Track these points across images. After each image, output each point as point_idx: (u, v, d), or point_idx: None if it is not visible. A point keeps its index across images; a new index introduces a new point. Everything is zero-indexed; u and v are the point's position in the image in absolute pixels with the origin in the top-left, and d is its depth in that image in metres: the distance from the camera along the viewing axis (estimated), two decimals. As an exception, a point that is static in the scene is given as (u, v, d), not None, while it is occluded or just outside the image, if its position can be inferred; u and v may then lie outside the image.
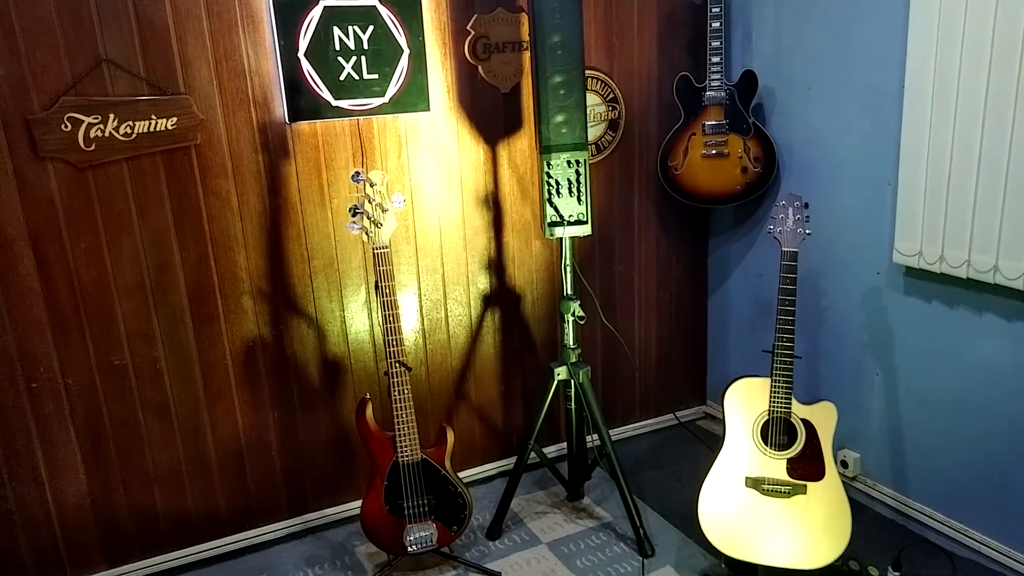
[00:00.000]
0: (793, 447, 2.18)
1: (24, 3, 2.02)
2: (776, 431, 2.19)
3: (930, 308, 2.35)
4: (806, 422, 2.17)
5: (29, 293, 2.17)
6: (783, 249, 2.19)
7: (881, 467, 2.61)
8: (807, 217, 2.21)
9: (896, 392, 2.51)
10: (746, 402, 2.22)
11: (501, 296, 2.88)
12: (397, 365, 2.26)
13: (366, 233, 2.23)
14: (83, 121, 2.13)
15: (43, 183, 2.13)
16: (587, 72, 2.80)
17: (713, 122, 2.77)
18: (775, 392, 2.17)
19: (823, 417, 2.17)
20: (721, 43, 2.69)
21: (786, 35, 2.69)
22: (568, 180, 2.36)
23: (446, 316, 2.80)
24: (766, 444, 2.20)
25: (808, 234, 2.20)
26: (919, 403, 2.44)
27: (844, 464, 2.69)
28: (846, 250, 2.59)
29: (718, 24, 2.67)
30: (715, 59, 2.71)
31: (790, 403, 2.17)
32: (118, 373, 2.33)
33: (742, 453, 2.22)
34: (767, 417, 2.20)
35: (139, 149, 2.22)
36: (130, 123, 2.19)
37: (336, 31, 2.38)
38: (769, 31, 2.76)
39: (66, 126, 2.12)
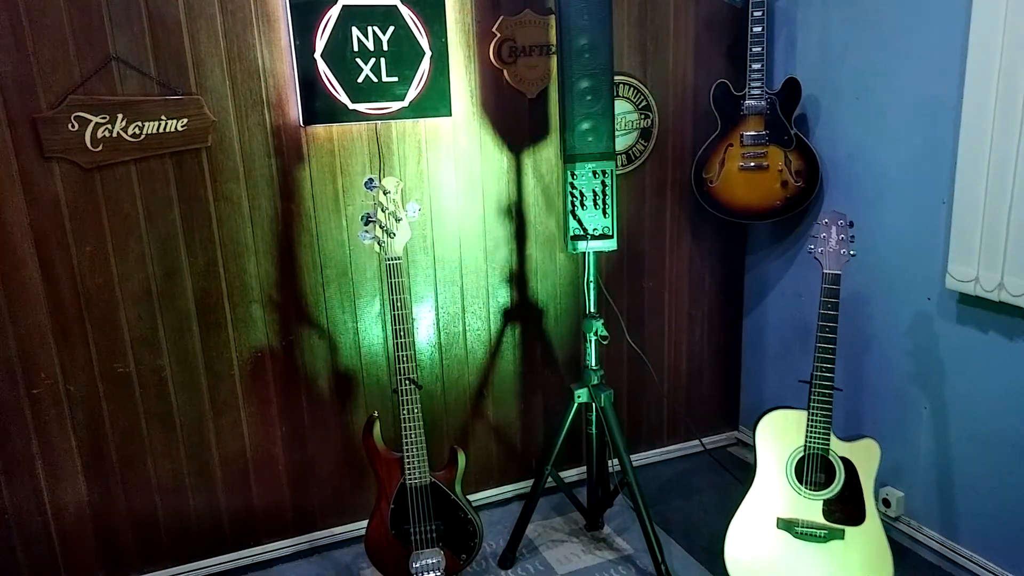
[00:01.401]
0: (830, 487, 2.00)
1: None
2: (812, 469, 2.02)
3: (986, 339, 2.15)
4: (845, 461, 2.00)
5: (32, 297, 2.11)
6: (824, 271, 2.02)
7: (927, 508, 2.41)
8: (852, 237, 2.03)
9: (946, 427, 2.31)
10: (780, 436, 2.05)
11: (522, 311, 2.75)
12: (407, 383, 2.14)
13: (378, 243, 2.12)
14: (91, 121, 2.06)
15: (48, 184, 2.07)
16: (619, 78, 2.66)
17: (752, 133, 2.60)
18: (812, 426, 2.00)
19: (864, 456, 1.99)
20: (763, 49, 2.53)
21: (834, 40, 2.52)
22: (593, 191, 2.22)
23: (464, 330, 2.68)
24: (801, 483, 2.02)
25: (852, 255, 2.03)
26: (971, 440, 2.24)
27: (886, 503, 2.49)
28: (894, 273, 2.40)
29: (760, 29, 2.51)
30: (756, 66, 2.54)
31: (828, 439, 2.00)
32: (121, 381, 2.25)
33: (774, 491, 2.04)
34: (803, 453, 2.02)
35: (148, 150, 2.14)
36: (139, 123, 2.12)
37: (355, 31, 2.28)
38: (815, 36, 2.58)
39: (73, 125, 2.05)
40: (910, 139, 2.30)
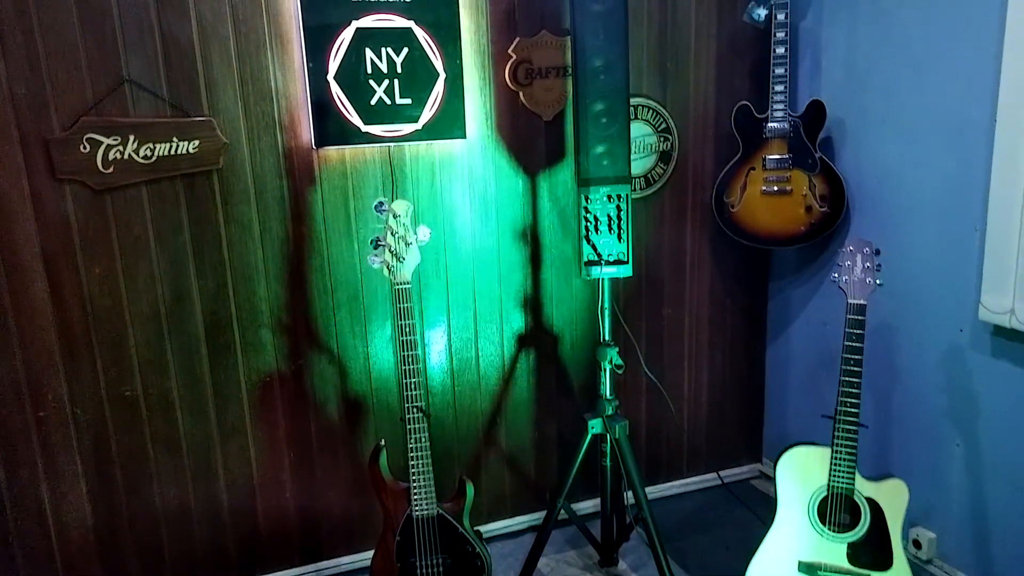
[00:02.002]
0: (855, 530, 1.90)
1: (48, 21, 1.96)
2: (836, 510, 1.91)
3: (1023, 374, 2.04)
4: (872, 502, 1.89)
5: (41, 318, 2.10)
6: (849, 301, 1.93)
7: (961, 551, 2.28)
8: (878, 266, 1.94)
9: (980, 466, 2.19)
10: (802, 474, 1.95)
11: (537, 336, 2.69)
12: (415, 411, 2.09)
13: (387, 267, 2.08)
14: (102, 142, 2.06)
15: (59, 205, 2.06)
16: (637, 100, 2.60)
17: (775, 156, 2.53)
18: (836, 465, 1.90)
19: (892, 497, 1.88)
20: (786, 70, 2.46)
21: (860, 61, 2.44)
22: (608, 216, 2.16)
23: (477, 356, 2.62)
24: (824, 524, 1.92)
25: (879, 285, 1.94)
26: (1007, 481, 2.12)
27: (917, 544, 2.37)
28: (924, 302, 2.30)
29: (783, 50, 2.44)
30: (779, 87, 2.47)
31: (853, 478, 1.90)
32: (129, 404, 2.23)
33: (796, 532, 1.94)
34: (826, 493, 1.92)
35: (159, 172, 2.13)
36: (150, 145, 2.11)
37: (368, 53, 2.26)
38: (840, 57, 2.51)
39: (85, 147, 2.05)
40: (941, 163, 2.21)
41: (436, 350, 2.56)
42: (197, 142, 2.16)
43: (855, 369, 1.91)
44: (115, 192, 2.11)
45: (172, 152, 2.14)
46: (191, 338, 2.26)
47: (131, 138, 2.08)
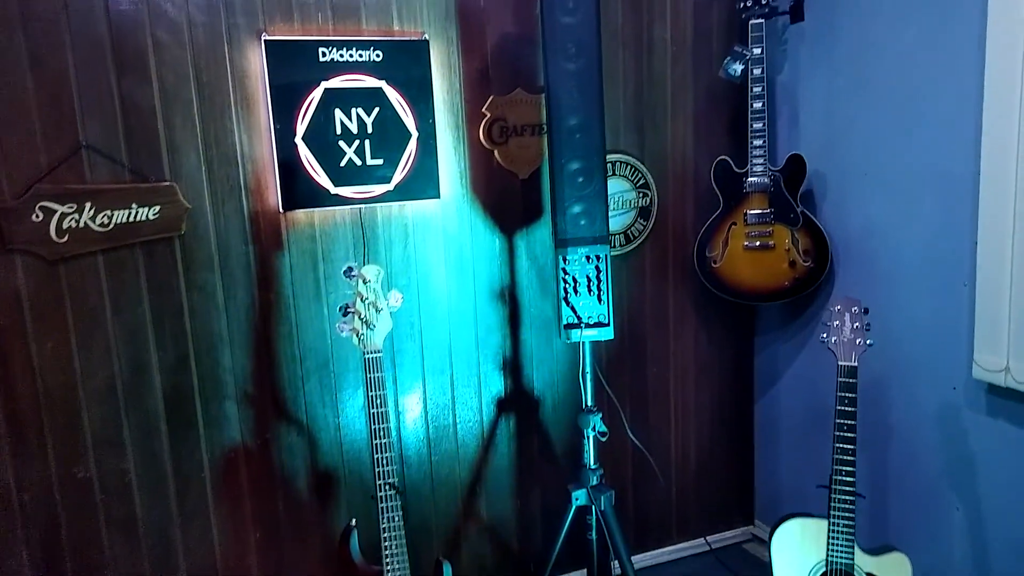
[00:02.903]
0: (858, 609, 1.78)
1: (1, 85, 1.88)
2: (836, 587, 1.80)
3: (1022, 434, 1.96)
4: (873, 578, 1.79)
5: (-14, 397, 1.97)
6: (840, 363, 1.85)
7: (967, 622, 2.17)
8: (867, 325, 1.87)
9: (982, 532, 2.09)
10: (799, 549, 1.85)
11: (517, 400, 2.58)
12: (388, 488, 1.96)
13: (357, 336, 1.98)
14: (56, 211, 1.96)
15: (9, 277, 1.95)
16: (615, 156, 2.56)
17: (756, 211, 2.48)
18: (834, 538, 1.80)
19: (894, 572, 1.78)
20: (764, 124, 2.43)
21: (838, 114, 2.41)
22: (587, 277, 2.09)
23: (454, 422, 2.51)
24: (824, 602, 1.81)
25: (869, 345, 1.87)
26: (1011, 548, 2.02)
27: (921, 615, 2.25)
28: (915, 359, 2.23)
29: (760, 104, 2.41)
30: (758, 142, 2.44)
31: (852, 552, 1.79)
32: (81, 487, 2.08)
33: (794, 612, 1.83)
34: (825, 568, 1.81)
35: (117, 240, 2.03)
36: (108, 212, 2.01)
37: (338, 114, 2.20)
38: (818, 110, 2.48)
39: (38, 216, 1.95)
40: (926, 217, 2.16)
41: (411, 418, 2.44)
42: (158, 208, 2.07)
43: (849, 435, 1.82)
44: (69, 262, 2.00)
45: (131, 219, 2.04)
46: (150, 413, 2.13)
47: (87, 206, 1.99)
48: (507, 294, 2.52)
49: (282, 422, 2.28)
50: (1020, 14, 1.79)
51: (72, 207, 1.97)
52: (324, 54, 2.16)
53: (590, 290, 2.08)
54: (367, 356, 1.98)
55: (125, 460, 2.12)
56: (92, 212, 2.00)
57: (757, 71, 2.41)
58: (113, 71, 1.98)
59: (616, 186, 2.56)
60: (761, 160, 2.45)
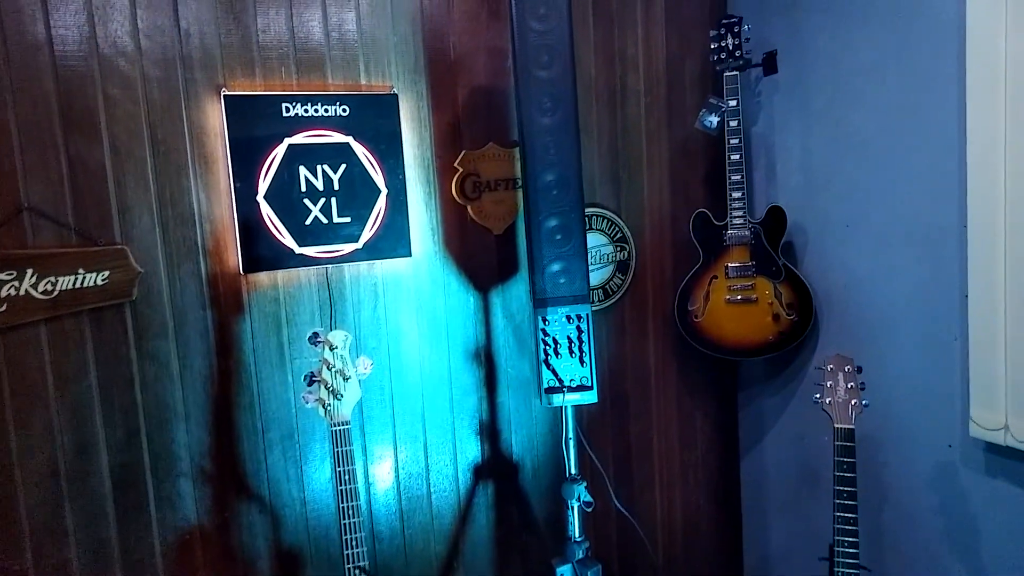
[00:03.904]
0: None
1: (-67, 147, 1.75)
2: (844, 670, 1.68)
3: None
4: (884, 660, 1.67)
5: (-90, 485, 1.78)
6: (836, 426, 1.76)
7: None
8: (862, 385, 1.79)
9: (987, 597, 1.99)
10: (802, 628, 1.72)
11: (495, 466, 2.44)
12: (357, 571, 1.81)
13: (323, 406, 1.84)
14: (-6, 278, 1.81)
15: (-61, 351, 1.79)
16: (592, 209, 2.48)
17: (737, 264, 2.41)
18: (839, 616, 1.68)
19: (906, 652, 1.66)
20: (742, 176, 2.38)
21: (816, 166, 2.38)
22: (568, 338, 1.98)
23: (428, 492, 2.36)
24: None
25: (865, 405, 1.78)
26: (1020, 616, 1.92)
27: None
28: (907, 416, 2.15)
29: (738, 156, 2.37)
30: (736, 194, 2.38)
31: (860, 631, 1.67)
32: (17, 581, 1.89)
33: None
34: (831, 650, 1.69)
35: (61, 308, 1.88)
36: (51, 279, 1.86)
37: (302, 171, 2.10)
38: (796, 162, 2.45)
39: (-27, 284, 1.79)
40: (911, 269, 2.11)
41: (382, 488, 2.29)
42: (107, 273, 1.92)
43: (850, 503, 1.72)
44: (8, 333, 1.84)
45: (77, 285, 1.89)
46: (95, 496, 1.95)
47: (28, 272, 1.84)
48: (483, 354, 2.40)
49: (242, 499, 2.11)
50: (999, 64, 1.77)
51: (11, 274, 1.82)
52: (288, 109, 2.06)
53: (571, 352, 1.98)
54: (334, 429, 1.84)
55: (67, 548, 1.93)
56: (34, 279, 1.85)
57: (733, 123, 2.37)
58: (60, 129, 1.85)
59: (593, 240, 2.48)
60: (741, 212, 2.39)
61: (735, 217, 2.39)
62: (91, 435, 1.94)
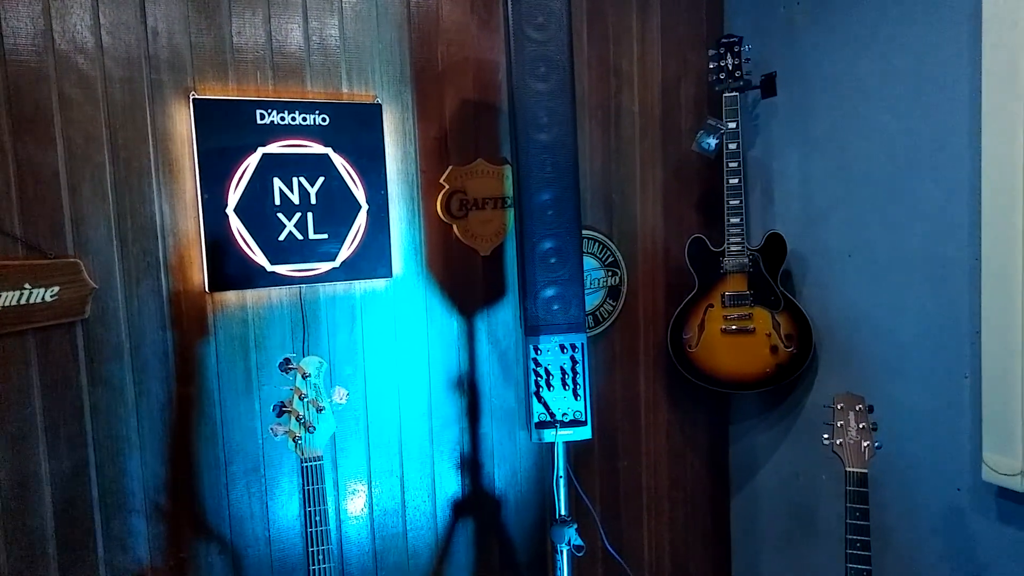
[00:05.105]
0: None
1: None
2: None
3: (1040, 544, 1.78)
4: None
5: None
6: (848, 470, 1.64)
7: None
8: (874, 425, 1.68)
9: (996, 651, 1.88)
10: None
11: (476, 501, 2.29)
12: (326, 625, 1.64)
13: (293, 439, 1.68)
14: (-73, 292, 1.63)
15: None
16: (582, 232, 2.36)
17: (734, 292, 2.30)
18: None
19: None
20: (741, 202, 2.28)
21: (817, 193, 2.28)
22: (561, 369, 1.85)
23: (405, 531, 2.19)
24: None
25: (878, 448, 1.67)
26: (1033, 672, 1.81)
27: None
28: (912, 457, 2.04)
29: (737, 180, 2.27)
30: (734, 220, 2.28)
31: None
32: (-59, 631, 1.69)
33: None
34: None
35: (3, 326, 1.70)
36: (-7, 294, 1.69)
37: (277, 183, 1.95)
38: (795, 188, 2.35)
39: (-97, 299, 1.61)
40: (918, 302, 2.01)
41: (355, 527, 2.12)
42: (57, 288, 1.75)
43: (863, 554, 1.59)
44: (-59, 353, 1.66)
45: (22, 301, 1.72)
46: (35, 535, 1.76)
47: (-33, 286, 1.66)
48: (466, 382, 2.25)
49: (200, 538, 1.93)
50: (1019, 88, 1.69)
51: (-52, 288, 1.64)
52: (263, 116, 1.92)
53: (564, 384, 1.84)
54: (305, 464, 1.68)
55: (0, 596, 1.73)
56: (-26, 294, 1.67)
57: (732, 145, 2.27)
58: (8, 130, 1.68)
59: (584, 264, 2.36)
60: (738, 239, 2.28)
61: (732, 243, 2.29)
62: (33, 467, 1.75)
